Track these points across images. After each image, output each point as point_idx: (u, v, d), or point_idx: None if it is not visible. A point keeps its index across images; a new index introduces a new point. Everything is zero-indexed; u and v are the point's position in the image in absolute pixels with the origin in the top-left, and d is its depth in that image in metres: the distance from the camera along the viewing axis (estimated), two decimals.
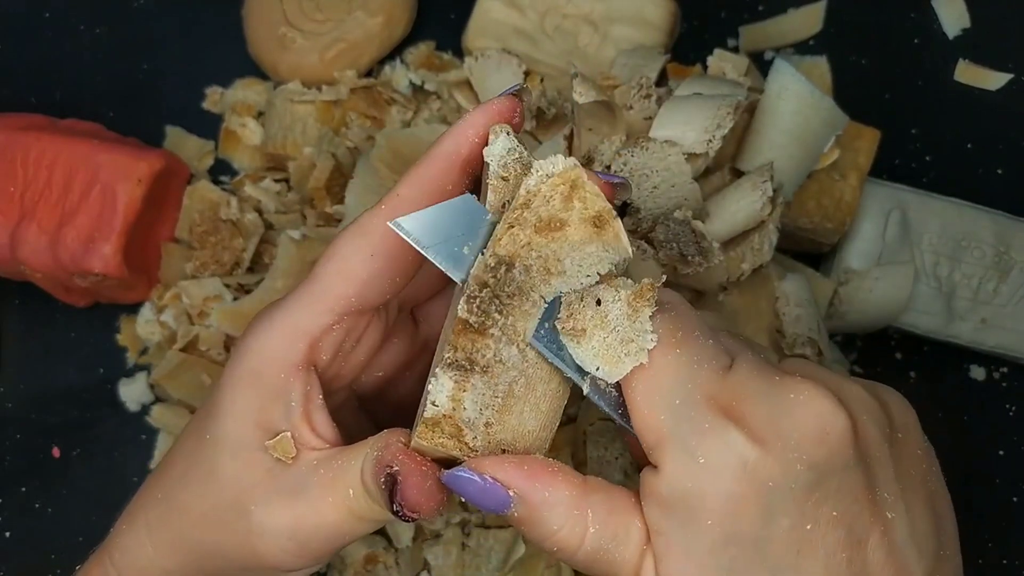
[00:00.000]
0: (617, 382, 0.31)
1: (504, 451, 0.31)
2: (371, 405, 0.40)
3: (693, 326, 0.31)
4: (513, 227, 0.31)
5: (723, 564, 0.29)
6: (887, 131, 0.55)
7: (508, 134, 0.32)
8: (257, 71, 0.63)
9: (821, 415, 0.29)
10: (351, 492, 0.32)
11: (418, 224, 0.31)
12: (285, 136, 0.59)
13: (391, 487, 0.30)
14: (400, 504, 0.30)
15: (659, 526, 0.30)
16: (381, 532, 0.52)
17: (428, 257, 0.31)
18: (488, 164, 0.32)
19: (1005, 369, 0.58)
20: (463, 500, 0.30)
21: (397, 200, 0.33)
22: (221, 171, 0.62)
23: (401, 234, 0.31)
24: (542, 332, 0.31)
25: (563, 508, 0.30)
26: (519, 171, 0.32)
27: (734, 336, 0.33)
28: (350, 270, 0.33)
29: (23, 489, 0.57)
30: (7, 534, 0.57)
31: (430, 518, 0.31)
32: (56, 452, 0.58)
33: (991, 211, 0.56)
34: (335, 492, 0.32)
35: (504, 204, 0.32)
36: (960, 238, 0.56)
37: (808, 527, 0.28)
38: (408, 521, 0.31)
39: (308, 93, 0.59)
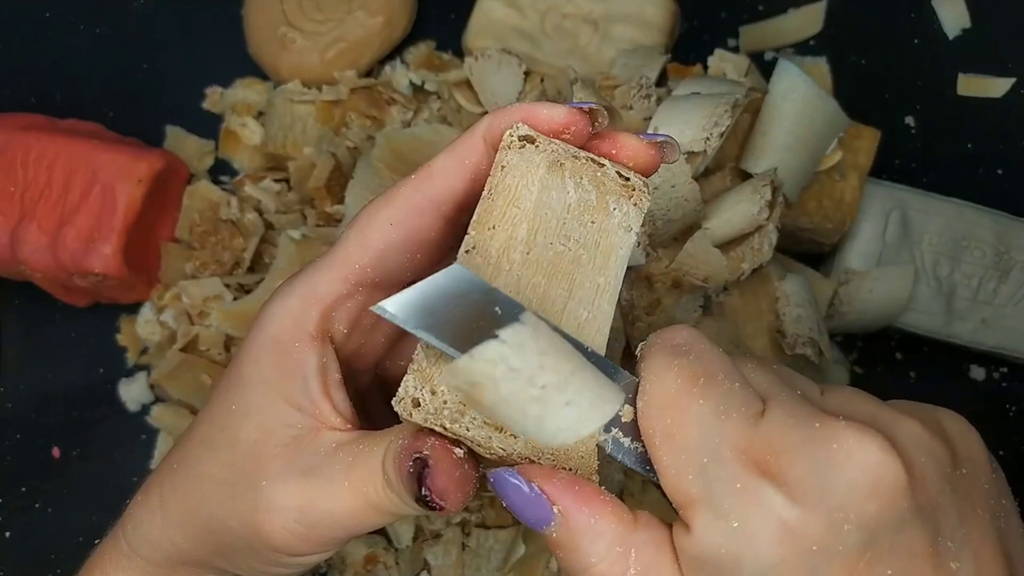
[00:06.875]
0: (640, 438, 0.28)
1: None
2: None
3: (716, 369, 0.28)
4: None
5: None
6: (887, 131, 0.55)
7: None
8: (257, 71, 0.63)
9: (869, 467, 0.25)
10: (370, 479, 0.30)
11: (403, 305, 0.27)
12: (285, 136, 0.59)
13: (419, 472, 0.28)
14: (428, 490, 0.28)
15: None
16: (381, 532, 0.52)
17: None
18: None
19: (1005, 369, 0.58)
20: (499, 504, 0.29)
21: (428, 171, 0.32)
22: (221, 171, 0.62)
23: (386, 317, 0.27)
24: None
25: (606, 541, 0.27)
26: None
27: (765, 368, 0.30)
28: (367, 238, 0.32)
29: (23, 489, 0.57)
30: (7, 534, 0.57)
31: (454, 509, 0.29)
32: (56, 452, 0.58)
33: (991, 211, 0.56)
34: (352, 477, 0.30)
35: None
36: (960, 238, 0.56)
37: None
38: (433, 510, 0.29)
39: (308, 93, 0.59)
